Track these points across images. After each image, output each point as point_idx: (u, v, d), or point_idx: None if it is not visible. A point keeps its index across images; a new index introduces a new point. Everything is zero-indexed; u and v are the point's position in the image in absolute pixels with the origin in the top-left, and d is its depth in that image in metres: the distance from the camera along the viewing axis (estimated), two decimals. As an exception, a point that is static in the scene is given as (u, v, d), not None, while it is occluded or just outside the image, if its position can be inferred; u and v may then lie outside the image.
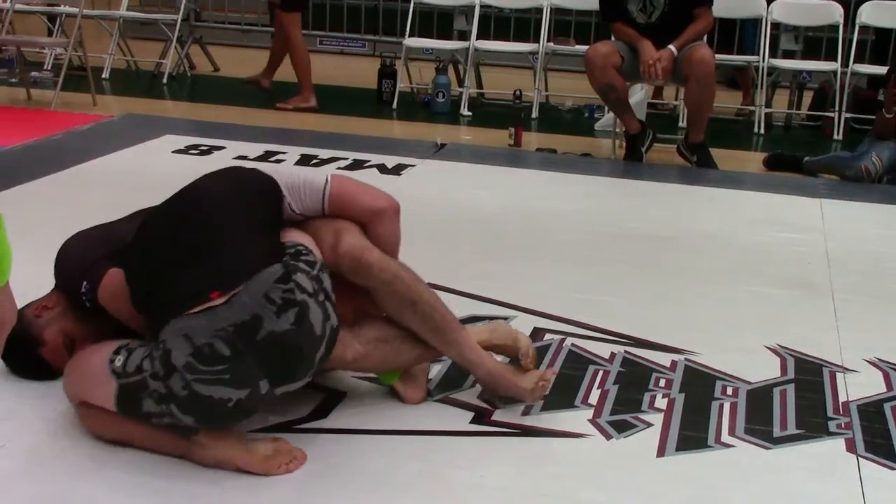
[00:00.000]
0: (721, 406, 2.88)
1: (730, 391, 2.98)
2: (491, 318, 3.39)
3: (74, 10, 7.70)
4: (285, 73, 7.80)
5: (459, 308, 3.45)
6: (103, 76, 8.26)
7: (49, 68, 8.32)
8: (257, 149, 5.77)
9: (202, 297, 2.31)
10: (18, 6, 8.03)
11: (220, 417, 2.35)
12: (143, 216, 2.68)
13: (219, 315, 2.29)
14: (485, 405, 2.81)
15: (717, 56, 6.81)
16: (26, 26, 8.96)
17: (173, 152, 5.71)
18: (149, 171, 5.19)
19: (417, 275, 2.73)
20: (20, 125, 6.28)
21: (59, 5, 8.61)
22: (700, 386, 3.01)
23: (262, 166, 2.70)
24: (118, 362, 2.36)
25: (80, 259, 2.75)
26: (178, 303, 2.33)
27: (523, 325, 3.37)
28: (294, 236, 2.55)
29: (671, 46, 5.71)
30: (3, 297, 1.32)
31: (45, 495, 2.33)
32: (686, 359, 3.18)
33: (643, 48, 5.74)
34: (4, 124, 6.48)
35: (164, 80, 8.39)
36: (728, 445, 2.67)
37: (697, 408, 2.87)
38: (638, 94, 6.73)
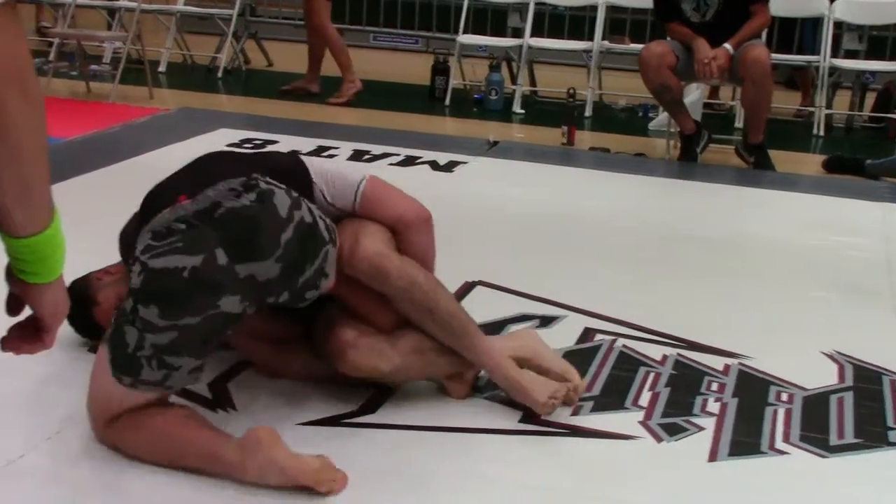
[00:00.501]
0: (775, 412, 2.84)
1: (784, 397, 2.93)
2: (542, 318, 3.38)
3: (133, 4, 7.79)
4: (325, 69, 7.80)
5: (509, 307, 3.46)
6: (160, 70, 8.33)
7: (108, 62, 8.41)
8: (310, 143, 5.78)
9: (170, 200, 2.34)
10: (80, 1, 8.12)
11: (180, 295, 2.25)
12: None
13: (181, 207, 2.31)
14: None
15: (776, 56, 6.75)
16: (87, 21, 9.06)
17: (227, 146, 5.73)
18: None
19: (438, 281, 2.70)
20: (79, 117, 6.35)
21: (118, 0, 8.69)
22: (754, 391, 2.96)
23: (303, 156, 2.71)
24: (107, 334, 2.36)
25: (129, 239, 2.77)
26: (152, 214, 2.34)
27: (574, 324, 3.36)
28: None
29: (726, 45, 5.64)
30: (57, 289, 1.32)
31: (98, 482, 2.35)
32: (740, 363, 3.14)
33: (698, 47, 5.68)
34: (64, 116, 6.54)
35: (220, 75, 8.45)
36: (782, 452, 2.63)
37: (751, 413, 2.82)
38: (693, 94, 6.67)
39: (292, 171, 2.61)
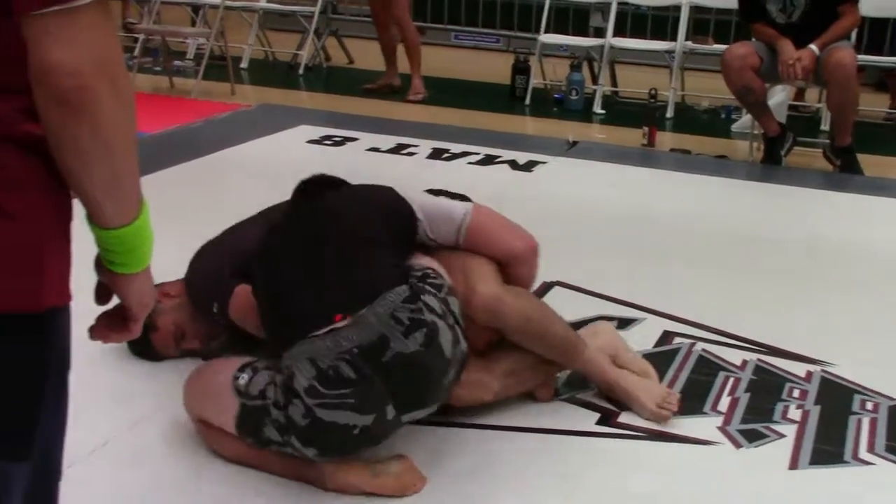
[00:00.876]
0: (859, 421, 2.77)
1: (869, 406, 2.86)
2: (620, 320, 3.35)
3: (217, 1, 7.86)
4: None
5: (588, 308, 3.43)
6: (242, 66, 8.41)
7: (191, 58, 8.51)
8: (389, 141, 5.80)
9: (326, 319, 2.23)
10: (164, -4, 8.24)
11: (343, 446, 2.25)
12: (268, 226, 2.65)
13: (343, 336, 2.20)
14: (610, 406, 2.77)
15: (866, 57, 6.64)
16: (171, 17, 9.18)
17: (307, 142, 5.78)
18: (283, 160, 5.25)
19: (545, 306, 2.73)
20: (162, 112, 6.43)
21: (202, -4, 8.80)
22: (837, 399, 2.90)
23: (401, 187, 2.63)
24: (242, 380, 2.28)
25: (207, 279, 2.77)
26: (302, 325, 2.26)
27: (652, 327, 3.32)
28: (422, 261, 2.47)
29: (812, 46, 5.52)
30: (144, 279, 1.34)
31: (179, 468, 2.39)
32: (822, 370, 3.08)
33: (782, 48, 5.58)
34: (148, 111, 6.61)
35: (301, 71, 8.50)
36: (866, 462, 2.57)
37: (833, 421, 2.77)
38: (779, 96, 6.56)
39: (398, 213, 2.56)
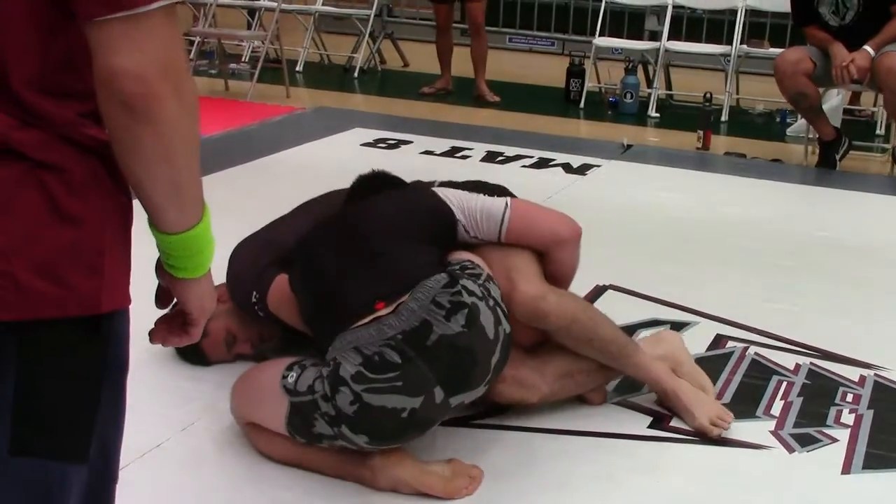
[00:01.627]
0: (913, 425, 2.76)
1: (923, 410, 2.85)
2: (673, 323, 3.34)
3: (273, 4, 7.94)
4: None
5: (641, 311, 3.43)
6: (297, 69, 8.48)
7: (246, 60, 8.59)
8: (443, 144, 5.83)
9: (368, 308, 2.27)
10: (221, 0, 8.31)
11: (394, 432, 2.26)
12: (313, 220, 2.68)
13: (386, 324, 2.24)
14: (663, 410, 2.76)
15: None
16: (227, 20, 9.27)
17: (361, 145, 5.82)
18: (337, 162, 5.28)
19: (593, 308, 2.71)
20: (218, 115, 6.51)
21: (258, 0, 8.88)
22: (890, 403, 2.89)
23: (443, 191, 2.65)
24: (290, 378, 2.29)
25: (247, 269, 2.77)
26: (345, 317, 2.29)
27: (705, 331, 3.32)
28: (461, 255, 2.50)
29: (867, 47, 5.45)
30: (205, 284, 1.36)
31: (231, 471, 2.42)
32: (876, 374, 3.06)
33: (835, 51, 5.51)
34: (203, 113, 6.62)
35: (355, 74, 8.55)
36: (919, 467, 2.56)
37: (887, 426, 2.75)
38: (834, 100, 6.50)
39: (439, 215, 2.58)
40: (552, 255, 2.67)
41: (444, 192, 2.63)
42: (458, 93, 7.71)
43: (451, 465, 2.37)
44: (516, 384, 2.57)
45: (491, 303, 2.34)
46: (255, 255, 2.80)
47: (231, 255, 2.86)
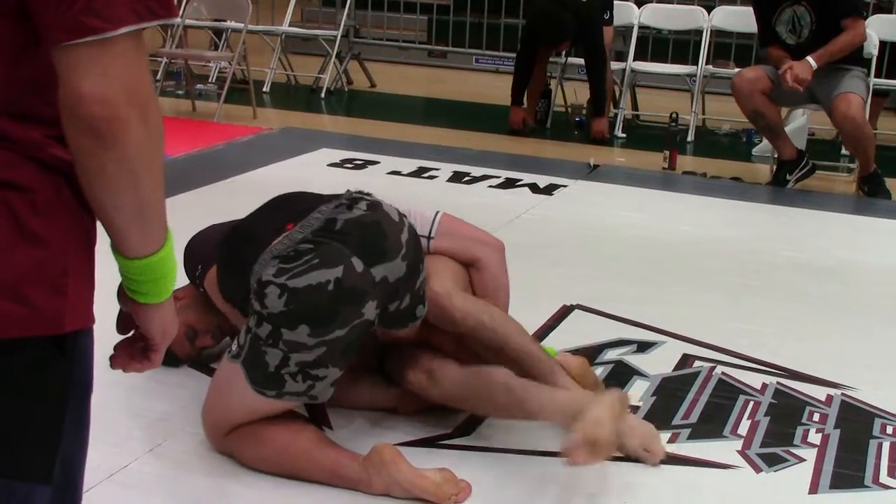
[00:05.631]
0: (880, 445, 2.76)
1: (890, 430, 2.85)
2: (639, 343, 3.34)
3: (240, 25, 7.93)
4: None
5: (607, 331, 3.43)
6: (264, 90, 8.46)
7: (213, 81, 8.57)
8: (411, 164, 5.82)
9: (279, 231, 2.36)
10: (188, 21, 8.30)
11: (327, 309, 2.28)
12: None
13: (295, 233, 2.34)
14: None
15: (887, 82, 6.64)
16: (193, 40, 9.25)
17: (329, 165, 5.81)
18: (305, 183, 5.19)
19: (506, 318, 2.67)
20: (185, 136, 6.48)
21: (225, 21, 8.86)
22: (857, 423, 2.89)
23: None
24: (233, 348, 2.38)
25: (202, 245, 2.85)
26: (259, 247, 2.35)
27: (672, 350, 3.32)
28: None
29: (809, 58, 5.49)
30: (166, 309, 1.35)
31: (202, 492, 2.39)
32: (843, 393, 3.07)
33: (783, 62, 5.58)
34: (170, 134, 6.59)
35: (322, 95, 8.54)
36: (887, 487, 2.56)
37: (854, 445, 2.76)
38: (798, 121, 6.55)
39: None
40: (478, 261, 2.74)
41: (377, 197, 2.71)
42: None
43: (441, 472, 2.39)
44: (424, 373, 2.58)
45: (394, 207, 2.49)
46: (211, 235, 2.86)
47: (196, 233, 2.94)
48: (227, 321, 2.82)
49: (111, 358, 1.42)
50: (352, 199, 2.44)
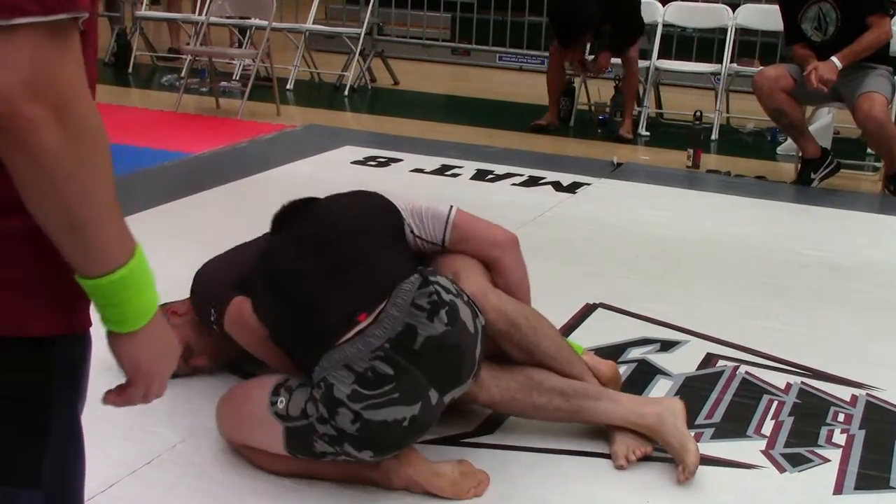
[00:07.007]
0: (905, 445, 2.75)
1: (915, 430, 2.84)
2: (662, 342, 3.33)
3: (264, 23, 7.94)
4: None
5: (630, 330, 3.42)
6: (288, 87, 8.47)
7: (237, 78, 8.59)
8: (434, 162, 5.82)
9: (349, 322, 2.26)
10: (212, 19, 8.31)
11: (397, 441, 2.28)
12: (269, 243, 2.65)
13: (371, 336, 2.23)
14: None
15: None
16: (217, 38, 9.27)
17: (352, 163, 5.81)
18: (328, 180, 5.25)
19: (538, 318, 2.65)
20: (209, 133, 6.49)
21: (249, 18, 8.88)
22: (883, 423, 2.88)
23: (388, 192, 2.69)
24: (280, 405, 2.30)
25: (209, 284, 2.80)
26: (327, 334, 2.27)
27: (695, 350, 3.31)
28: None
29: (834, 58, 5.46)
30: (138, 342, 1.23)
31: (216, 494, 2.39)
32: (868, 394, 3.05)
33: (808, 62, 5.55)
34: (194, 132, 6.71)
35: (346, 93, 8.54)
36: (912, 487, 2.55)
37: (879, 446, 2.74)
38: (823, 120, 6.51)
39: (387, 212, 2.61)
40: (496, 261, 2.69)
41: (388, 194, 2.67)
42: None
43: (460, 465, 2.40)
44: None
45: (465, 298, 2.37)
46: (219, 274, 2.82)
47: (198, 270, 2.89)
48: (226, 344, 2.78)
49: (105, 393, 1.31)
50: (431, 301, 2.28)
